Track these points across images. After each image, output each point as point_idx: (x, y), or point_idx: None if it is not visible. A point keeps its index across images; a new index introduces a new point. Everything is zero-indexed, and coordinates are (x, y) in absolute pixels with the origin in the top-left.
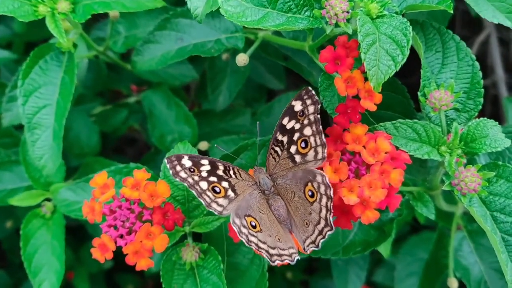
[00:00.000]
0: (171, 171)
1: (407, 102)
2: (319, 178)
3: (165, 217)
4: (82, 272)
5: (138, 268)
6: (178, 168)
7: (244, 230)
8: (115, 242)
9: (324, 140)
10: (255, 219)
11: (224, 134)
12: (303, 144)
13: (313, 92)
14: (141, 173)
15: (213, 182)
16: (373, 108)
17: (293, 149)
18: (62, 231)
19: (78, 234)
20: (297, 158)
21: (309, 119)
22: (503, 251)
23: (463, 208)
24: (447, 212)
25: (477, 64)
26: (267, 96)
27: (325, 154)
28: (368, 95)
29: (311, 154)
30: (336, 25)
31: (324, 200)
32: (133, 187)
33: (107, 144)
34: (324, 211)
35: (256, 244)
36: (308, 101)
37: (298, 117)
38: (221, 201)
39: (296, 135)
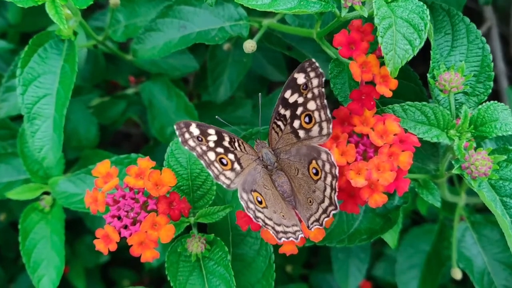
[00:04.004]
0: (180, 138)
1: (419, 90)
2: (324, 156)
3: (170, 207)
4: (77, 267)
5: (143, 260)
6: (187, 135)
7: (251, 206)
8: (119, 233)
9: (329, 115)
10: (260, 194)
11: (224, 126)
12: (307, 119)
13: (317, 64)
14: (145, 162)
15: (220, 153)
16: (389, 94)
17: (296, 123)
18: (61, 225)
19: (73, 228)
20: (301, 133)
21: (313, 92)
22: None
23: (466, 199)
24: (450, 203)
25: (487, 46)
26: (267, 88)
27: (330, 130)
28: (384, 81)
29: (315, 129)
30: (350, 9)
31: (329, 178)
32: (137, 176)
33: (104, 137)
34: (328, 189)
35: (263, 220)
36: (312, 74)
37: (301, 90)
38: (228, 173)
39: (300, 110)
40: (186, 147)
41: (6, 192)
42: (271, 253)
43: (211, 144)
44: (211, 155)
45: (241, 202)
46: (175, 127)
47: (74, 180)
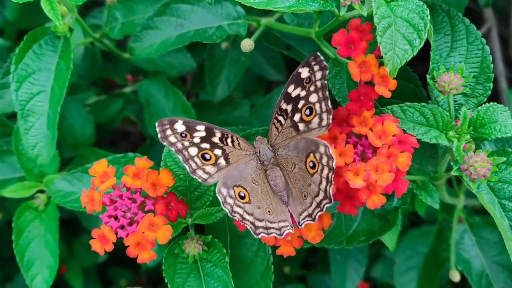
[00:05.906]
0: (159, 135)
1: (418, 91)
2: (322, 149)
3: (168, 207)
4: (75, 266)
5: (140, 261)
6: (168, 132)
7: (230, 201)
8: (116, 233)
9: (330, 106)
10: (245, 189)
11: (222, 125)
12: (307, 112)
13: (322, 57)
14: (143, 161)
15: (205, 148)
16: (387, 94)
17: (297, 117)
18: (55, 224)
19: (71, 226)
20: (301, 126)
21: (315, 85)
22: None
23: (464, 200)
24: (448, 204)
25: (487, 48)
26: (266, 88)
27: (330, 121)
28: (383, 81)
29: (315, 121)
30: (349, 8)
31: (325, 171)
32: (134, 176)
33: (101, 135)
34: (324, 182)
35: (241, 215)
36: (316, 67)
37: (304, 84)
38: (209, 168)
39: (301, 103)
40: (165, 143)
41: (0, 190)
42: (269, 255)
43: (196, 140)
44: (192, 150)
45: (218, 197)
46: (156, 124)
47: (70, 179)
